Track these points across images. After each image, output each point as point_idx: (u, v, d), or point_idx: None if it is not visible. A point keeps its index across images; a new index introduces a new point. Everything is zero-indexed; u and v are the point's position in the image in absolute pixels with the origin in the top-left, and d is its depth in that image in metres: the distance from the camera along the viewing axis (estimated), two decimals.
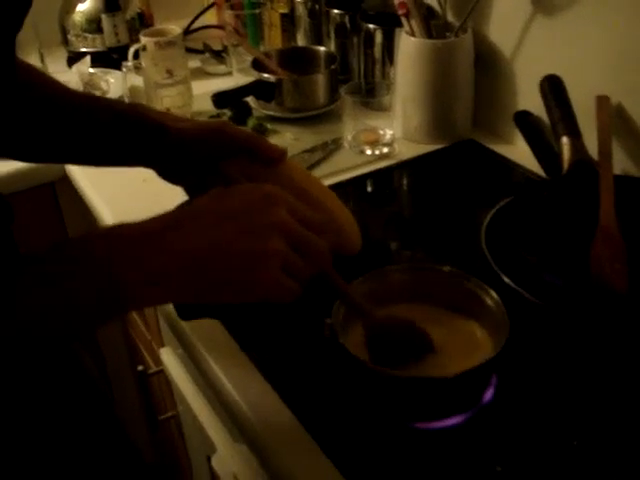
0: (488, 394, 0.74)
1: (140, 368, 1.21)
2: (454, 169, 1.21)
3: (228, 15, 1.54)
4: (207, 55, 1.65)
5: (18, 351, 0.56)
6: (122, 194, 1.16)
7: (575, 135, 0.98)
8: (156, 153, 0.80)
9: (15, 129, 0.76)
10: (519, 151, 1.18)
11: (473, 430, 0.71)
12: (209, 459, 0.98)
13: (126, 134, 0.79)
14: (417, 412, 0.72)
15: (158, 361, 1.22)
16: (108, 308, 0.59)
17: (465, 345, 0.76)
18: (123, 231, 0.59)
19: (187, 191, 0.83)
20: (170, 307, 0.92)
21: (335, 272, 0.71)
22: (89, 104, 0.82)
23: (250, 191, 0.65)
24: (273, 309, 0.77)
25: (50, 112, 0.79)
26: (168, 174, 0.82)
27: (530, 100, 1.12)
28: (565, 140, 0.98)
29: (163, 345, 1.15)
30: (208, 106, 1.35)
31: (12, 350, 0.55)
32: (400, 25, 1.22)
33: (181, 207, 0.69)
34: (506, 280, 0.80)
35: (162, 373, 1.17)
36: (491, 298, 0.76)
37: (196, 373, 0.93)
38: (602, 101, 1.02)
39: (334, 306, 0.75)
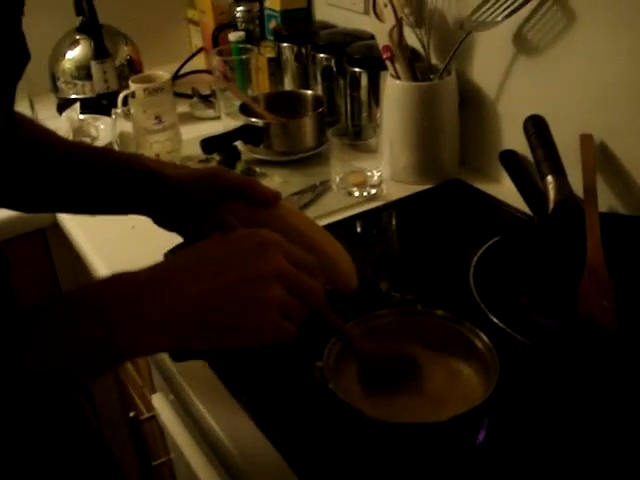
0: (480, 436, 0.74)
1: (132, 414, 1.20)
2: (442, 209, 1.22)
3: (216, 60, 1.55)
4: (195, 100, 1.66)
5: (18, 399, 0.56)
6: (112, 240, 1.16)
7: (560, 174, 0.99)
8: (152, 201, 0.81)
9: (9, 179, 0.76)
10: (505, 190, 1.19)
11: (466, 472, 0.71)
12: None
13: (122, 183, 0.80)
14: (410, 456, 0.72)
15: (150, 407, 1.21)
16: (108, 357, 0.58)
17: (456, 387, 0.76)
18: (122, 281, 0.59)
19: (183, 236, 0.83)
20: (161, 354, 0.91)
21: (329, 309, 0.71)
22: (84, 154, 0.83)
23: (246, 239, 0.65)
24: (264, 352, 0.77)
25: (45, 162, 0.80)
26: (163, 221, 0.83)
27: (515, 139, 1.14)
28: (550, 179, 0.99)
29: (155, 391, 1.14)
30: (197, 151, 1.36)
31: (12, 398, 0.55)
32: (385, 68, 1.24)
33: (177, 254, 0.70)
34: (495, 321, 0.81)
35: (154, 419, 1.17)
36: (482, 342, 0.77)
37: (188, 419, 0.93)
38: (586, 140, 1.03)
39: (325, 349, 0.75)
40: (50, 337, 0.55)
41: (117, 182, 0.81)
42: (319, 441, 0.76)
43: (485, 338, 0.76)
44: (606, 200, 1.02)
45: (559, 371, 0.79)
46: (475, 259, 0.90)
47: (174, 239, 0.87)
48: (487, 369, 0.74)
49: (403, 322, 0.82)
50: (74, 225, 1.25)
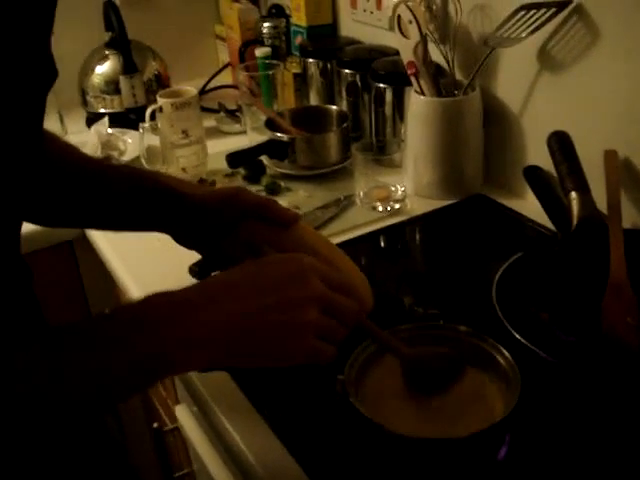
0: (502, 452, 0.74)
1: (156, 425, 1.21)
2: (465, 224, 1.22)
3: (242, 76, 1.58)
4: (222, 114, 1.69)
5: (57, 416, 0.57)
6: (138, 252, 1.18)
7: (583, 190, 0.99)
8: (172, 219, 0.83)
9: (37, 196, 0.78)
10: (529, 205, 1.19)
11: None
12: None
13: (143, 201, 0.82)
14: (430, 471, 0.72)
15: (173, 418, 1.22)
16: (152, 373, 0.60)
17: (478, 402, 0.76)
18: (163, 300, 0.61)
19: (201, 254, 0.85)
20: None
21: (369, 321, 0.74)
22: (107, 171, 0.85)
23: (283, 263, 0.67)
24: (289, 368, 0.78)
25: (70, 179, 0.82)
26: (183, 239, 0.85)
27: (539, 155, 1.14)
28: (574, 195, 0.99)
29: (178, 402, 1.16)
30: (223, 165, 1.37)
31: (52, 415, 0.56)
32: (409, 84, 1.25)
33: (217, 276, 0.71)
34: (518, 337, 0.81)
35: (178, 430, 1.18)
36: (504, 358, 0.77)
37: (210, 431, 0.94)
38: (610, 156, 1.03)
39: (347, 363, 0.76)
40: (96, 354, 0.56)
41: (139, 200, 0.83)
42: (340, 454, 0.77)
43: (507, 354, 0.76)
44: (630, 216, 1.02)
45: (582, 388, 0.79)
46: (498, 275, 0.91)
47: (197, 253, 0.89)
48: (509, 385, 0.74)
49: (425, 336, 0.82)
50: (101, 238, 1.27)
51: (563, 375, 0.79)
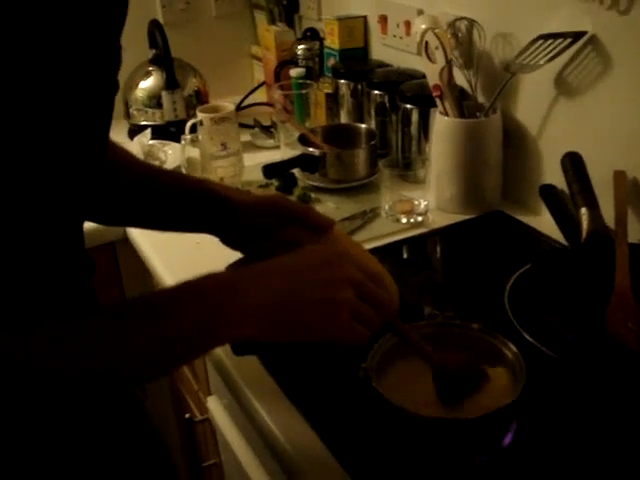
0: (508, 438, 0.80)
1: (187, 416, 1.28)
2: (483, 237, 1.28)
3: (277, 94, 1.65)
4: (257, 130, 1.75)
5: (111, 382, 0.64)
6: (178, 254, 1.25)
7: (593, 206, 1.06)
8: (220, 222, 0.90)
9: (98, 197, 0.86)
10: (544, 222, 1.24)
11: (493, 469, 0.78)
12: None
13: (194, 205, 0.89)
14: (442, 451, 0.80)
15: (203, 410, 1.29)
16: (204, 342, 0.67)
17: (487, 392, 0.82)
18: (216, 276, 0.68)
19: (245, 255, 0.92)
20: (220, 356, 1.01)
21: (400, 320, 0.80)
22: (162, 177, 0.92)
23: (320, 250, 0.74)
24: (317, 355, 0.85)
25: (129, 182, 0.89)
26: (229, 240, 0.92)
27: (554, 174, 1.19)
28: (584, 211, 1.06)
29: (210, 394, 1.23)
30: (257, 176, 1.46)
31: (107, 381, 0.63)
32: (435, 105, 1.32)
33: (238, 267, 0.79)
34: (526, 336, 0.88)
35: (207, 421, 1.25)
36: (511, 351, 0.84)
37: (241, 418, 1.00)
38: (619, 176, 1.09)
39: (369, 353, 0.83)
40: (151, 322, 0.63)
41: (190, 204, 0.90)
42: (367, 438, 0.83)
43: (514, 348, 0.83)
44: (636, 232, 1.06)
45: (583, 384, 0.85)
46: (511, 282, 0.98)
47: (235, 254, 0.96)
48: (515, 375, 0.81)
49: (440, 333, 0.89)
50: (143, 239, 1.35)
51: (566, 371, 0.85)
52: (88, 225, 0.85)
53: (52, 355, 0.60)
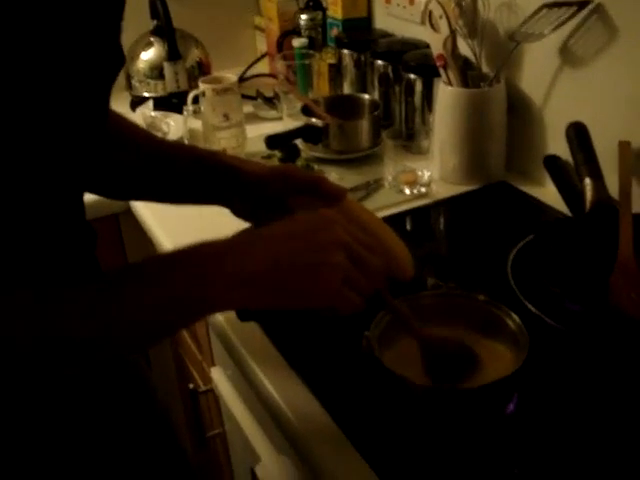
0: (510, 408, 0.81)
1: (191, 386, 1.29)
2: (487, 208, 1.28)
3: (280, 65, 1.64)
4: (259, 101, 1.75)
5: (101, 348, 0.64)
6: (180, 226, 1.25)
7: (597, 177, 1.06)
8: (231, 193, 0.89)
9: (102, 169, 0.86)
10: (548, 193, 1.25)
11: (495, 438, 0.78)
12: (253, 471, 1.05)
13: (205, 177, 0.88)
14: (444, 419, 0.80)
15: (207, 380, 1.30)
16: (195, 310, 0.67)
17: (492, 364, 0.83)
18: (207, 244, 0.68)
19: (256, 225, 0.92)
20: (223, 326, 1.01)
21: (388, 293, 0.79)
22: (171, 149, 0.92)
23: (313, 215, 0.73)
24: (320, 323, 0.85)
25: (135, 154, 0.89)
26: (240, 212, 0.91)
27: (559, 145, 1.19)
28: (588, 181, 1.05)
29: (214, 364, 1.24)
30: (260, 147, 1.45)
31: (98, 347, 0.63)
32: (439, 75, 1.31)
33: (257, 229, 0.76)
34: (530, 307, 0.88)
35: (211, 392, 1.26)
36: (513, 321, 0.84)
37: (245, 388, 1.01)
38: (624, 146, 1.08)
39: (373, 321, 0.84)
40: (143, 289, 0.63)
41: (200, 176, 0.89)
42: (369, 406, 0.83)
43: (517, 319, 0.84)
44: None
45: (586, 354, 0.85)
46: (514, 252, 0.97)
47: (239, 226, 0.96)
48: (518, 346, 0.81)
49: (443, 303, 0.90)
50: (146, 211, 1.34)
51: (570, 342, 0.85)
52: (91, 197, 0.85)
53: (40, 323, 0.59)
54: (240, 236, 0.71)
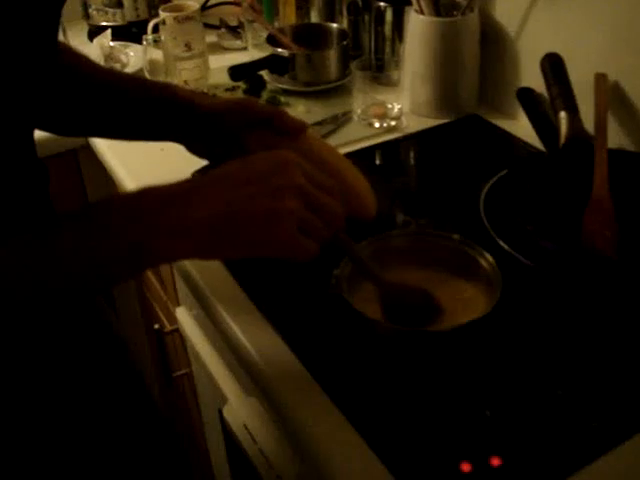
0: (483, 347, 0.80)
1: (157, 326, 1.27)
2: (458, 143, 1.25)
3: None
4: (223, 30, 1.69)
5: (50, 301, 0.61)
6: (141, 161, 1.21)
7: (572, 110, 1.03)
8: (185, 129, 0.85)
9: (52, 105, 0.81)
10: (521, 126, 1.22)
11: (466, 379, 0.77)
12: (220, 412, 1.04)
13: (158, 111, 0.84)
14: (415, 362, 0.79)
15: (172, 320, 1.28)
16: (137, 261, 0.63)
17: (464, 305, 0.81)
18: (152, 192, 0.64)
19: (213, 163, 0.88)
20: (187, 267, 0.98)
21: (347, 235, 0.76)
22: (121, 82, 0.87)
23: (267, 157, 0.68)
24: (287, 264, 0.83)
25: (82, 88, 0.85)
26: (196, 148, 0.88)
27: (533, 77, 1.16)
28: (563, 115, 1.03)
29: (179, 304, 1.21)
30: (224, 79, 1.40)
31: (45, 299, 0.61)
32: (410, 4, 1.27)
33: (204, 173, 0.74)
34: (502, 245, 0.86)
35: (177, 332, 1.24)
36: (487, 261, 0.82)
37: (211, 329, 0.99)
38: (600, 79, 1.06)
39: (343, 260, 0.81)
40: (83, 240, 0.60)
41: (153, 110, 0.85)
42: (336, 348, 0.81)
43: (490, 258, 0.82)
44: (616, 137, 1.05)
45: (561, 292, 0.84)
46: (486, 189, 0.95)
47: (201, 161, 0.92)
48: (491, 286, 0.79)
49: (414, 243, 0.87)
50: (105, 146, 1.30)
51: (543, 280, 0.84)
52: (47, 133, 0.81)
53: None
54: (189, 181, 0.67)
